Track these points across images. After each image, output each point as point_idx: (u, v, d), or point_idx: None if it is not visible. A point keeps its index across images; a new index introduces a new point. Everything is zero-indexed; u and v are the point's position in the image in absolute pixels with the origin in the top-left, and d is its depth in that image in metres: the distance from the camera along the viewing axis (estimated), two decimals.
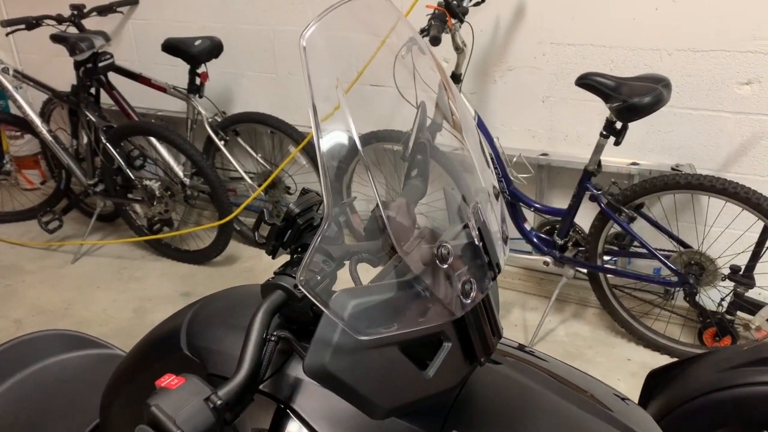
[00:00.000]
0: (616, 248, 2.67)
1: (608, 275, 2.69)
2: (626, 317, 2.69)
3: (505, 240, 0.84)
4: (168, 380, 0.71)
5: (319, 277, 0.79)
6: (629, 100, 2.20)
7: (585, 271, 2.73)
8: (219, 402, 0.69)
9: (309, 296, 0.65)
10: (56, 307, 3.14)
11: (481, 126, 2.72)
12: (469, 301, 0.72)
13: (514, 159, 2.81)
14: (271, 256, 0.88)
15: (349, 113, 0.75)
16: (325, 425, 0.82)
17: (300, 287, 0.66)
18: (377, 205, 0.73)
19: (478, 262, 0.76)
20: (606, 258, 2.71)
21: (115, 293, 3.25)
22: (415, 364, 0.73)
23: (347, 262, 0.84)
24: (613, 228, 2.62)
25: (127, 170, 3.37)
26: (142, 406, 0.68)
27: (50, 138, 3.55)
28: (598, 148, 2.45)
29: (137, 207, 3.63)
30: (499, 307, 0.90)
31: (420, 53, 0.96)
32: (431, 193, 0.99)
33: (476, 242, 0.75)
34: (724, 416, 1.39)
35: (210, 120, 3.42)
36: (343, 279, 0.82)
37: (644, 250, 2.50)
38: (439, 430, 0.80)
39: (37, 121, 3.53)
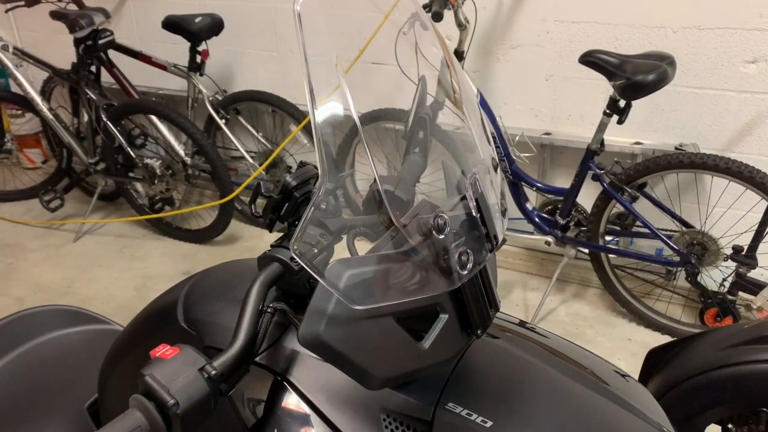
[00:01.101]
0: (618, 228, 2.66)
1: (610, 255, 2.68)
2: (627, 297, 2.69)
3: (503, 213, 0.83)
4: (163, 350, 0.70)
5: (315, 250, 0.78)
6: (633, 77, 2.18)
7: (587, 251, 2.72)
8: (213, 372, 0.69)
9: (303, 265, 0.65)
10: (58, 285, 3.15)
11: (483, 104, 2.69)
12: (465, 272, 0.72)
13: (517, 138, 2.79)
14: (268, 230, 0.87)
15: (349, 92, 0.74)
16: (321, 397, 0.82)
17: (294, 257, 0.65)
18: (375, 179, 0.72)
19: (476, 233, 0.75)
20: (608, 238, 2.70)
21: (116, 272, 3.25)
22: (412, 336, 0.73)
23: (345, 236, 0.83)
24: (616, 208, 2.60)
25: (128, 149, 3.35)
26: (137, 376, 0.67)
27: (51, 116, 3.54)
28: (601, 127, 2.43)
29: (138, 186, 3.62)
30: (497, 281, 0.89)
31: (422, 29, 0.94)
32: (432, 172, 0.98)
33: (474, 213, 0.75)
34: (724, 394, 1.39)
35: (211, 98, 3.40)
36: (341, 253, 0.81)
37: (646, 230, 2.49)
38: (436, 402, 0.80)
39: (38, 99, 3.52)
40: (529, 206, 2.80)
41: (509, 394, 0.84)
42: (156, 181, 3.39)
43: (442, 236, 0.70)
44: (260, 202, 1.89)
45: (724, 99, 2.57)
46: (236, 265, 1.05)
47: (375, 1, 0.88)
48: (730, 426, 1.47)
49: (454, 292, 0.76)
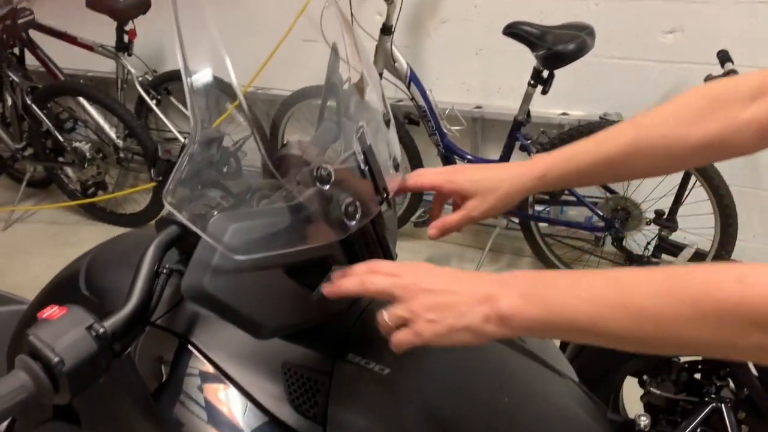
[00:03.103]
0: (547, 197, 2.73)
1: (540, 224, 2.75)
2: (558, 264, 2.77)
3: (396, 167, 0.85)
4: (49, 311, 0.70)
5: (215, 212, 0.78)
6: (553, 47, 2.23)
7: (517, 220, 2.79)
8: (102, 330, 0.68)
9: (176, 216, 0.65)
10: None
11: (414, 79, 2.71)
12: (353, 223, 0.73)
13: (447, 111, 2.82)
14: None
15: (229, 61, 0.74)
16: (223, 356, 0.83)
17: (167, 206, 0.65)
18: (252, 133, 0.72)
19: (365, 186, 0.76)
20: (538, 207, 2.77)
21: (49, 259, 3.16)
22: (307, 289, 0.74)
23: (247, 198, 0.84)
24: None
25: (56, 133, 3.25)
26: (22, 338, 0.67)
27: None
28: (527, 98, 2.49)
29: (69, 171, 3.52)
30: (396, 238, 0.91)
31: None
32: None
33: (362, 166, 0.76)
34: None
35: (140, 79, 3.32)
36: None
37: (573, 198, 2.56)
38: (336, 353, 0.81)
39: None
40: None
41: None
42: (87, 166, 3.30)
43: (327, 187, 0.71)
44: None
45: (645, 69, 2.66)
46: (139, 234, 1.05)
47: None
48: (645, 377, 1.54)
49: (347, 244, 0.77)
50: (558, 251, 2.82)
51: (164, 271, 0.77)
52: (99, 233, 3.41)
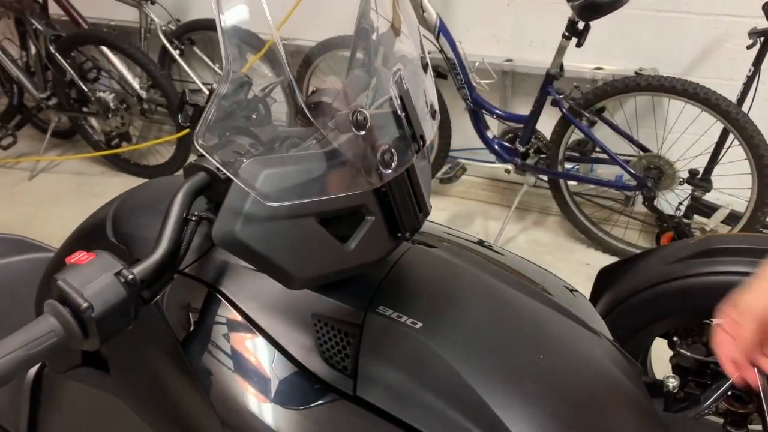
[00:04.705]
0: (577, 155, 2.67)
1: (569, 182, 2.69)
2: (586, 223, 2.72)
3: (433, 114, 0.81)
4: (77, 257, 0.68)
5: (245, 160, 0.76)
6: None
7: (546, 178, 2.73)
8: (131, 277, 0.67)
9: (209, 158, 0.62)
10: (14, 224, 3.08)
11: (443, 30, 2.63)
12: (389, 171, 0.70)
13: (477, 64, 2.74)
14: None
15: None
16: (252, 305, 0.81)
17: (198, 147, 0.63)
18: (289, 77, 0.69)
19: (401, 133, 0.73)
20: (567, 165, 2.71)
21: (74, 209, 3.19)
22: (339, 240, 0.72)
23: (277, 146, 0.81)
24: (575, 135, 2.60)
25: (80, 82, 3.23)
26: (51, 282, 0.65)
27: None
28: (560, 50, 2.40)
29: (93, 121, 3.52)
30: (431, 188, 0.88)
31: None
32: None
33: (399, 112, 0.72)
34: (669, 307, 1.42)
35: (164, 28, 3.27)
36: None
37: (605, 156, 2.49)
38: (367, 306, 0.79)
39: None
40: (489, 134, 2.78)
41: (442, 298, 0.84)
42: (111, 116, 3.29)
43: (362, 133, 0.67)
44: None
45: (684, 22, 2.55)
46: (166, 181, 1.02)
47: None
48: (675, 339, 1.51)
49: (381, 194, 0.74)
50: (587, 210, 2.76)
51: (193, 218, 0.75)
52: (123, 184, 3.42)
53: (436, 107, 0.82)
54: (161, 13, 3.37)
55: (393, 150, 0.70)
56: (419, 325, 0.78)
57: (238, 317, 0.81)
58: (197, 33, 3.30)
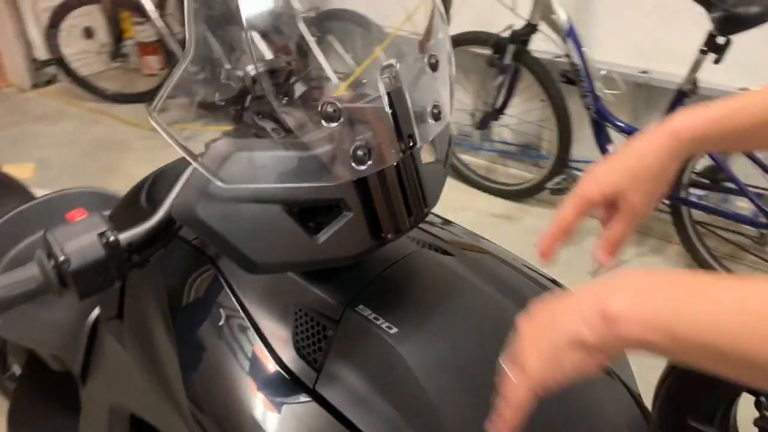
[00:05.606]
0: (705, 181, 2.42)
1: (692, 209, 2.46)
2: (706, 257, 2.47)
3: (436, 117, 0.77)
4: (75, 215, 0.73)
5: (205, 141, 0.77)
6: (732, 9, 1.93)
7: (668, 202, 2.52)
8: (112, 239, 0.71)
9: (161, 132, 0.64)
10: None
11: (572, 34, 2.51)
12: (362, 168, 0.68)
13: (602, 72, 2.57)
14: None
15: None
16: (244, 285, 0.84)
17: (151, 121, 0.65)
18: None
19: (384, 130, 0.70)
20: (693, 191, 2.47)
21: None
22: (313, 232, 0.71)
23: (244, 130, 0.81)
24: (706, 159, 2.37)
25: None
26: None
27: (161, 23, 3.69)
28: (696, 66, 2.20)
29: None
30: (441, 189, 0.83)
31: None
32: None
33: (386, 109, 0.70)
34: None
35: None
36: None
37: (733, 186, 2.25)
38: (347, 303, 0.78)
39: (148, 5, 3.68)
40: (611, 149, 2.61)
41: (429, 308, 0.80)
42: None
43: (333, 125, 0.66)
44: None
45: None
46: None
47: None
48: (763, 398, 1.34)
49: (365, 190, 0.72)
50: (710, 242, 2.51)
51: None
52: None
53: (445, 109, 0.78)
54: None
55: (371, 147, 0.68)
56: (394, 330, 0.76)
57: (228, 294, 0.83)
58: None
